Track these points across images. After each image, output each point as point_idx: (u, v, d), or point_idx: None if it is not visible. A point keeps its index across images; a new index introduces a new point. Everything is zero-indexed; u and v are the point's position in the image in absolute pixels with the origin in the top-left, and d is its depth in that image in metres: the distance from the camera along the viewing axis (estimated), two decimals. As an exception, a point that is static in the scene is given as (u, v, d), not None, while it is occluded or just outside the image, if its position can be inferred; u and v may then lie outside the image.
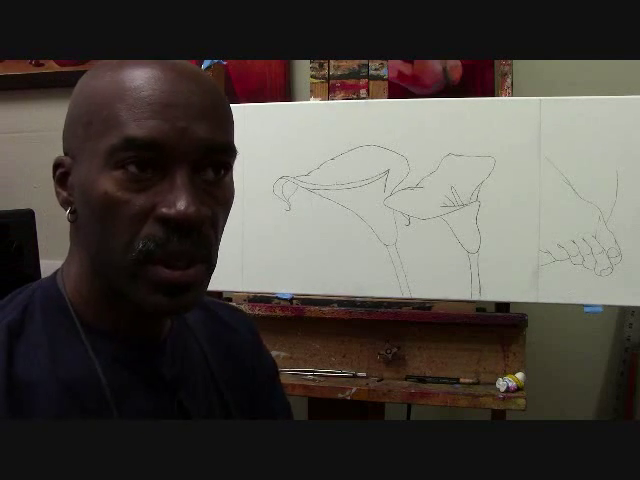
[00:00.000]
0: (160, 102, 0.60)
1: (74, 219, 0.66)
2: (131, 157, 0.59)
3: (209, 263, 0.64)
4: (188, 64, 0.65)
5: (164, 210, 0.60)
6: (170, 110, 0.60)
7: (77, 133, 0.64)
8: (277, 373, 0.88)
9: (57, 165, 0.66)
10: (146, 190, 0.60)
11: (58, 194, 0.67)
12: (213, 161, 0.63)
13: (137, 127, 0.59)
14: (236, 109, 1.50)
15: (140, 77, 0.61)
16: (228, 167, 0.65)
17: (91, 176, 0.61)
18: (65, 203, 0.66)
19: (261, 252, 1.47)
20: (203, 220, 0.61)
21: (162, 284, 0.61)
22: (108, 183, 0.60)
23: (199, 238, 0.62)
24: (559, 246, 1.35)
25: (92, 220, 0.63)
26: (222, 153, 0.64)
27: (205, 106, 0.62)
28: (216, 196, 0.64)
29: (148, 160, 0.60)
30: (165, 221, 0.60)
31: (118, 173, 0.60)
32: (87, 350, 0.66)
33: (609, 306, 1.36)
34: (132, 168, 0.60)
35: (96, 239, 0.63)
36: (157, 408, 0.68)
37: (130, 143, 0.59)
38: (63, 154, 0.67)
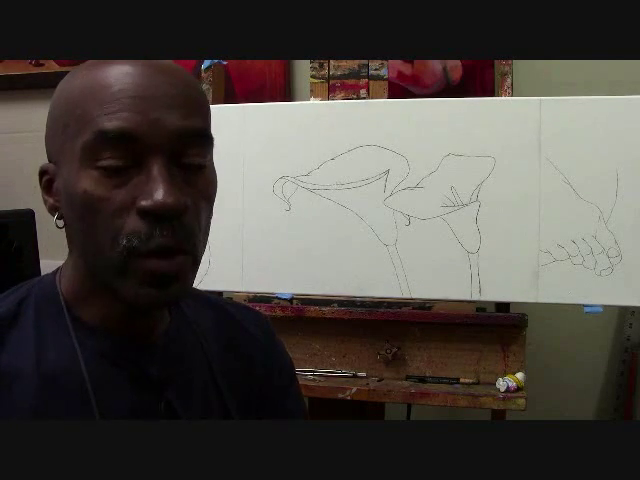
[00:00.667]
0: (130, 95, 0.60)
1: (62, 225, 0.66)
2: (104, 150, 0.60)
3: (194, 255, 0.64)
4: (162, 61, 0.65)
5: (143, 203, 0.60)
6: (140, 102, 0.60)
7: (56, 137, 0.64)
8: (294, 375, 0.87)
9: (42, 173, 0.67)
10: (124, 185, 0.61)
11: (45, 201, 0.67)
12: (188, 147, 0.63)
13: (107, 120, 0.60)
14: (236, 109, 1.52)
15: (111, 74, 0.62)
16: (206, 154, 0.65)
17: (71, 177, 0.62)
18: (52, 209, 0.67)
19: (261, 252, 1.47)
20: (183, 209, 0.61)
21: (149, 275, 0.61)
22: (87, 181, 0.61)
23: (181, 228, 0.62)
24: (559, 246, 1.35)
25: (76, 220, 0.63)
26: (196, 139, 0.64)
27: (176, 95, 0.62)
28: (196, 185, 0.64)
29: (122, 153, 0.60)
30: (145, 213, 0.60)
31: (95, 171, 0.61)
32: (74, 345, 0.66)
33: (609, 306, 1.36)
34: (106, 163, 0.60)
35: (82, 238, 0.64)
36: (141, 407, 0.68)
37: (102, 137, 0.60)
38: (47, 161, 0.67)
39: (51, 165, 0.66)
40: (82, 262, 0.67)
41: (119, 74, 0.61)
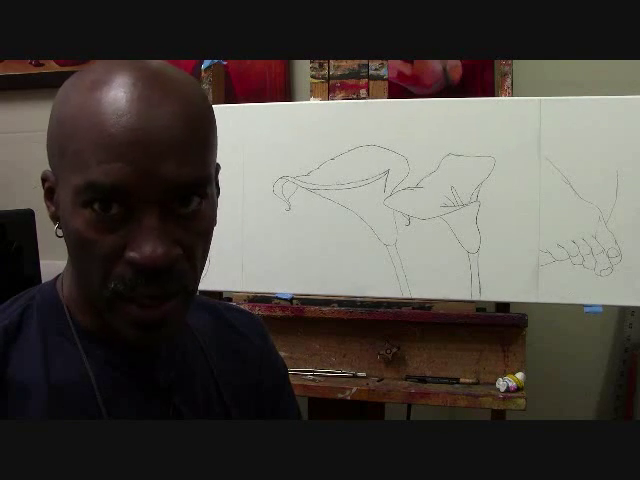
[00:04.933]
0: (124, 142, 0.57)
1: (62, 234, 0.65)
2: (95, 198, 0.58)
3: (185, 293, 0.63)
4: (165, 78, 0.61)
5: (131, 254, 0.59)
6: (134, 150, 0.57)
7: (55, 156, 0.63)
8: (287, 376, 0.87)
9: (44, 179, 0.66)
10: (116, 230, 0.59)
11: (47, 207, 0.66)
12: (184, 196, 0.60)
13: (99, 172, 0.57)
14: (236, 109, 1.53)
15: (108, 108, 0.58)
16: (203, 197, 0.62)
17: (66, 210, 0.61)
18: (53, 218, 0.66)
19: (261, 252, 1.47)
20: (172, 262, 0.60)
21: (135, 322, 0.61)
22: (79, 221, 0.59)
23: (170, 278, 0.60)
24: (559, 246, 1.35)
25: (71, 253, 0.63)
26: (192, 188, 0.61)
27: (173, 139, 0.59)
28: (192, 228, 0.62)
29: (113, 201, 0.58)
30: (133, 264, 0.59)
31: (87, 212, 0.59)
32: (80, 354, 0.66)
33: (609, 306, 1.36)
34: (97, 207, 0.58)
35: (76, 268, 0.64)
36: (151, 412, 0.68)
37: (92, 188, 0.58)
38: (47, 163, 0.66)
39: (52, 175, 0.65)
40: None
41: (116, 109, 0.58)
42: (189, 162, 0.60)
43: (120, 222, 0.59)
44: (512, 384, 1.34)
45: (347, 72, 1.55)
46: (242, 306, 1.45)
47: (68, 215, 0.61)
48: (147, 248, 0.58)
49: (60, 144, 0.61)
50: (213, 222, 0.65)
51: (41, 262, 1.76)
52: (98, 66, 0.62)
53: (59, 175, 0.62)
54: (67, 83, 0.64)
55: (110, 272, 0.60)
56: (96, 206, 0.58)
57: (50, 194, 0.65)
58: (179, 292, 0.62)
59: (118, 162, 0.57)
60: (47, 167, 0.67)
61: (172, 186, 0.59)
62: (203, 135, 0.62)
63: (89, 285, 0.62)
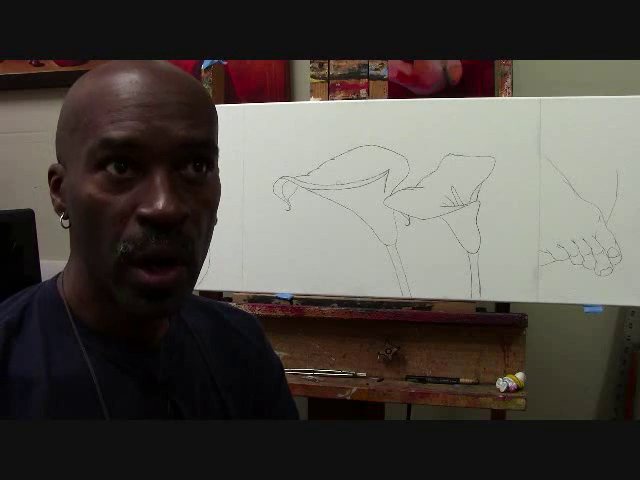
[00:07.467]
0: (136, 104, 0.61)
1: (67, 225, 0.67)
2: (109, 157, 0.61)
3: (191, 265, 0.64)
4: (170, 66, 0.66)
5: (143, 210, 0.60)
6: (146, 110, 0.61)
7: (65, 140, 0.65)
8: (283, 374, 0.88)
9: (51, 172, 0.68)
10: (127, 191, 0.61)
11: (53, 201, 0.68)
12: (192, 157, 0.63)
13: (113, 129, 0.60)
14: (236, 109, 1.53)
15: (118, 82, 0.62)
16: (210, 165, 0.65)
17: (76, 180, 0.63)
18: (59, 209, 0.67)
19: (261, 252, 1.47)
20: (182, 217, 0.61)
21: (142, 288, 0.62)
22: (91, 186, 0.61)
23: (179, 237, 0.62)
24: (559, 246, 1.35)
25: (80, 223, 0.64)
26: (200, 149, 0.64)
27: (182, 104, 0.63)
28: (198, 194, 0.64)
29: (126, 160, 0.61)
30: (144, 220, 0.61)
31: (99, 175, 0.61)
32: (81, 350, 0.67)
33: (609, 306, 1.36)
34: (111, 169, 0.61)
35: (85, 242, 0.65)
36: (149, 409, 0.69)
37: (107, 144, 0.60)
38: (53, 161, 0.68)
39: (60, 166, 0.67)
40: (84, 265, 0.67)
41: (126, 82, 0.62)
42: (197, 126, 0.64)
43: (132, 182, 0.61)
44: (512, 384, 1.34)
45: (347, 72, 1.55)
46: (242, 306, 1.45)
47: (79, 185, 0.62)
48: (158, 203, 0.60)
49: (72, 123, 0.64)
50: (218, 194, 0.68)
51: (41, 262, 1.76)
52: (106, 63, 0.66)
53: (69, 156, 0.64)
54: (75, 83, 0.67)
55: (120, 234, 0.61)
56: (109, 168, 0.61)
57: (56, 187, 0.67)
58: (185, 260, 0.63)
59: (131, 120, 0.61)
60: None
61: (182, 144, 0.62)
62: (208, 111, 0.66)
63: (98, 252, 0.63)
